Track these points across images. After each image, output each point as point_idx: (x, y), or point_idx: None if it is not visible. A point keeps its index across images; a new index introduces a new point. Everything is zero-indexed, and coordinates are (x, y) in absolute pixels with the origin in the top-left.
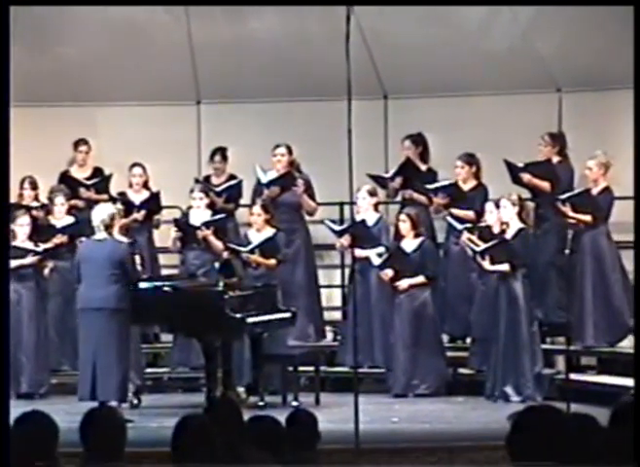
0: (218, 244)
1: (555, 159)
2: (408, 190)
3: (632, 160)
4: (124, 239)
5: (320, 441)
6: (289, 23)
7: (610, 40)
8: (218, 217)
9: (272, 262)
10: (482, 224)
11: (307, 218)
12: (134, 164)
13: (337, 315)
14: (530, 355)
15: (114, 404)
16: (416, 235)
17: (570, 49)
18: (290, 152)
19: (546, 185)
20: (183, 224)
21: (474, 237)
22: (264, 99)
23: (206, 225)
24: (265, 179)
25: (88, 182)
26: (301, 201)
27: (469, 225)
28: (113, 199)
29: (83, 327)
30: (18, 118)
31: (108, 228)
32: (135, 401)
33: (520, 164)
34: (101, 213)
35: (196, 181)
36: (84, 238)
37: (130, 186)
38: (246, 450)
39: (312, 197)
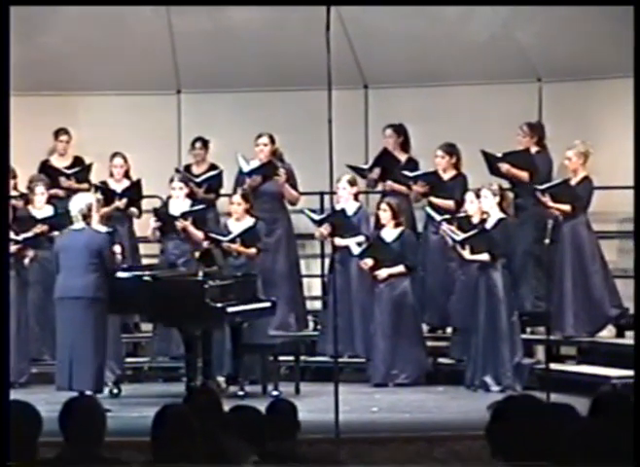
0: (198, 234)
1: (534, 149)
2: (387, 181)
3: (612, 149)
4: (103, 229)
5: (300, 430)
6: (269, 13)
7: (591, 30)
8: (197, 208)
9: (253, 251)
10: (462, 214)
11: (289, 207)
12: (115, 154)
13: (318, 305)
14: (510, 345)
15: (90, 394)
16: (397, 225)
17: (550, 39)
18: (272, 141)
19: (524, 175)
20: (162, 214)
21: (453, 227)
22: (244, 89)
23: (185, 215)
24: (247, 168)
25: (69, 171)
26: (282, 191)
27: (447, 216)
28: (95, 188)
29: (60, 316)
30: None
31: (86, 217)
32: (115, 390)
33: (499, 154)
34: (79, 203)
35: (177, 171)
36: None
37: (111, 175)
38: (226, 440)
39: (294, 186)
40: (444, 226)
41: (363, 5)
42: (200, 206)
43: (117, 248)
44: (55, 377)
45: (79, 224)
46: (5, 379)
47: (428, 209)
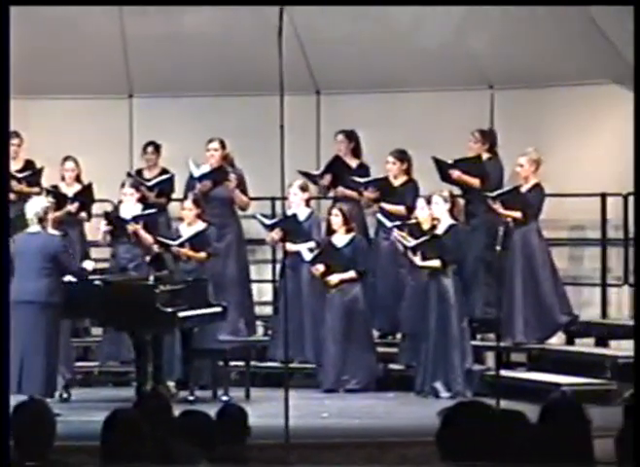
0: (148, 238)
1: (485, 155)
2: (338, 187)
3: (564, 157)
4: (57, 233)
5: (250, 435)
6: (222, 18)
7: (542, 37)
8: (148, 211)
9: (202, 255)
10: (412, 220)
11: (240, 212)
12: (66, 158)
13: (268, 310)
14: (460, 351)
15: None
16: (348, 231)
17: (502, 46)
18: (223, 146)
19: (475, 181)
20: (113, 217)
21: (404, 233)
22: (196, 93)
23: (136, 219)
24: (197, 173)
25: (20, 175)
26: (233, 196)
27: (398, 222)
28: (46, 192)
29: (13, 320)
30: None
31: (42, 221)
32: (65, 395)
33: (450, 161)
34: (35, 206)
35: (129, 175)
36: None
37: (63, 179)
38: (176, 445)
39: (245, 191)
40: (396, 232)
41: (318, 5)
42: (152, 210)
43: (88, 265)
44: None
45: (34, 227)
46: (5, 380)
47: (379, 216)
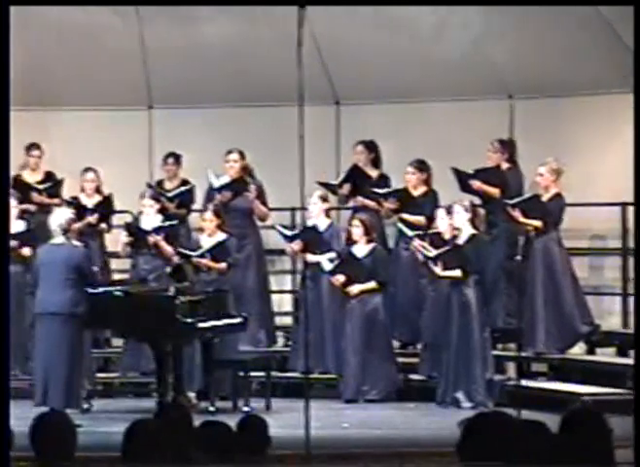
0: (169, 249)
1: (505, 165)
2: (358, 197)
3: (584, 166)
4: (80, 244)
5: (271, 446)
6: (241, 28)
7: (562, 47)
8: (169, 223)
9: (223, 266)
10: (433, 230)
11: (259, 223)
12: (87, 169)
13: (289, 321)
14: (481, 361)
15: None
16: (368, 241)
17: (522, 55)
18: (243, 157)
19: (495, 191)
20: (134, 228)
21: (425, 244)
22: (216, 104)
23: (157, 231)
24: (217, 184)
25: (40, 186)
26: (252, 207)
27: (420, 231)
28: (66, 203)
29: (38, 332)
30: None
31: (66, 232)
32: (86, 405)
33: (470, 171)
34: (59, 218)
35: (149, 186)
36: (44, 244)
37: (83, 190)
38: (196, 456)
39: (264, 202)
40: (416, 242)
41: (338, 5)
42: (172, 222)
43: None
44: (34, 393)
45: (58, 239)
46: (5, 381)
47: (400, 225)
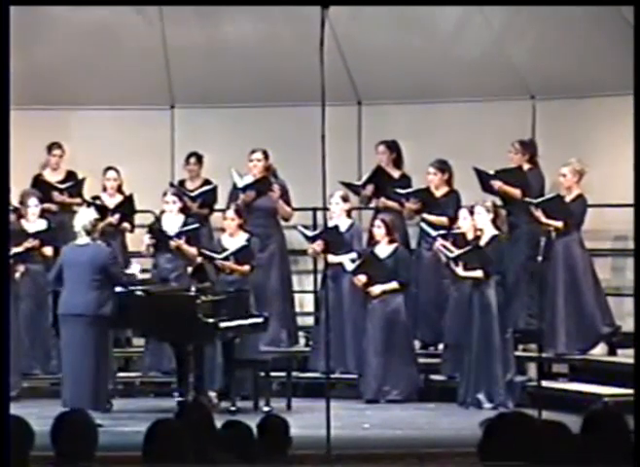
0: (192, 251)
1: (526, 166)
2: (380, 198)
3: (605, 167)
4: (104, 244)
5: (291, 446)
6: (263, 28)
7: (584, 47)
8: (191, 227)
9: (246, 268)
10: (456, 230)
11: (282, 223)
12: (108, 168)
13: (310, 321)
14: (502, 362)
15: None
16: (391, 241)
17: (544, 56)
18: (266, 157)
19: (517, 192)
20: (157, 232)
21: (447, 244)
22: (237, 104)
23: (179, 235)
24: (241, 183)
25: (62, 186)
26: (276, 207)
27: (443, 231)
28: (87, 203)
29: (63, 333)
30: None
31: (90, 233)
32: (107, 405)
33: (491, 172)
34: (83, 218)
35: (171, 185)
36: (69, 243)
37: (104, 190)
38: (217, 456)
39: (288, 202)
40: (440, 241)
41: (359, 5)
42: (194, 225)
43: (135, 269)
44: (62, 393)
45: (83, 239)
46: (5, 384)
47: (423, 225)
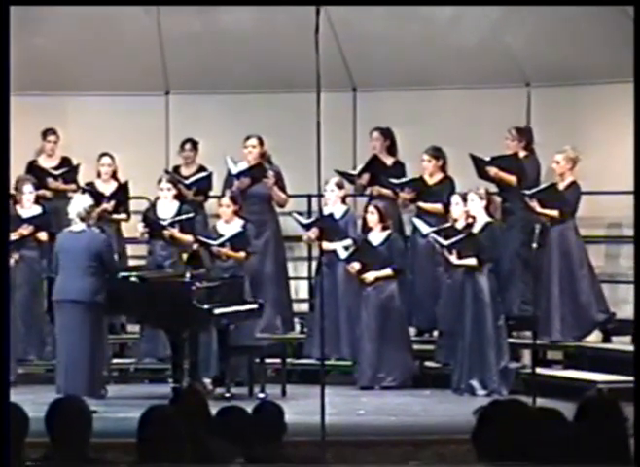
0: (186, 238)
1: (522, 153)
2: (375, 186)
3: (600, 154)
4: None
5: (286, 432)
6: (258, 15)
7: (580, 35)
8: (185, 216)
9: (242, 255)
10: (448, 224)
11: (277, 210)
12: (103, 154)
13: (305, 307)
14: (496, 349)
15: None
16: (384, 228)
17: (540, 43)
18: (261, 143)
19: (512, 179)
20: (151, 221)
21: (440, 239)
22: (232, 90)
23: (172, 224)
24: (235, 170)
25: (56, 172)
26: (271, 193)
27: (434, 228)
28: (82, 190)
29: (58, 319)
30: None
31: (84, 219)
32: (102, 391)
33: (487, 158)
34: (78, 205)
35: (166, 172)
36: (65, 229)
37: (99, 176)
38: (212, 442)
39: (283, 188)
40: (432, 236)
41: (352, 5)
42: (189, 214)
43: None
44: (56, 380)
45: (78, 226)
46: (5, 381)
47: (415, 220)
